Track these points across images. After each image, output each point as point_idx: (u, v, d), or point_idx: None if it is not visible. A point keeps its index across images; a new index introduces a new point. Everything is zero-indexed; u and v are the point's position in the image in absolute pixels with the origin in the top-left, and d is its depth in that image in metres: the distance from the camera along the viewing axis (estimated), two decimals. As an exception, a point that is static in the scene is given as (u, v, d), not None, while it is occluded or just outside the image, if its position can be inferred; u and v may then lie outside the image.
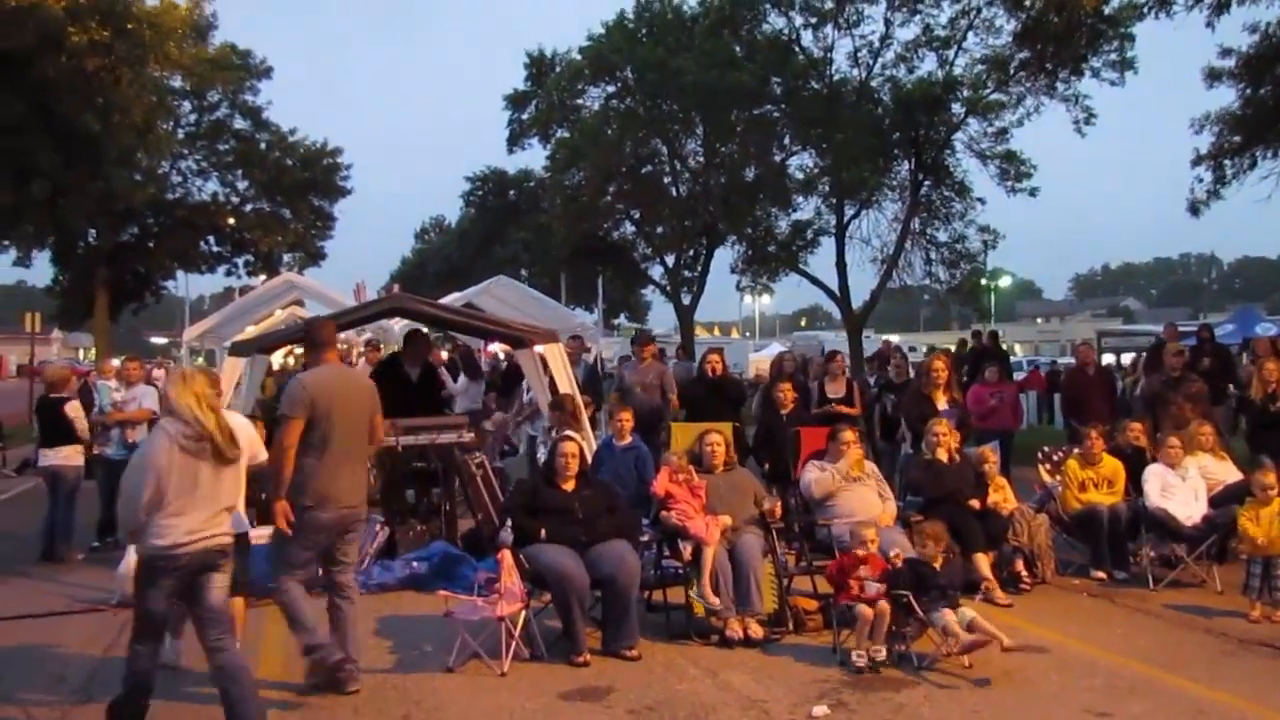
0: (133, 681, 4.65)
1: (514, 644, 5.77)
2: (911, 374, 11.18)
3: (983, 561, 7.13)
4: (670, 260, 30.56)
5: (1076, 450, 8.40)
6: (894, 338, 35.20)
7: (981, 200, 22.35)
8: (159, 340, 67.67)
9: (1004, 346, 22.87)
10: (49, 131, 22.02)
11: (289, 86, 42.94)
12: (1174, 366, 10.07)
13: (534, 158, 65.05)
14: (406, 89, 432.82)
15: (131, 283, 31.83)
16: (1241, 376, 11.24)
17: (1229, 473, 8.14)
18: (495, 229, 45.58)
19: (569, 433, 7.17)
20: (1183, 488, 7.78)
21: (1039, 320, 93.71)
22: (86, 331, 40.74)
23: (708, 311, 54.42)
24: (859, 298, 23.25)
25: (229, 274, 35.57)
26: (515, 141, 30.78)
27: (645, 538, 6.68)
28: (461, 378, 12.90)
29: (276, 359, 11.85)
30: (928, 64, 21.11)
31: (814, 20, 21.31)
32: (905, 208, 22.00)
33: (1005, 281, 55.73)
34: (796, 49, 21.79)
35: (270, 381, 12.73)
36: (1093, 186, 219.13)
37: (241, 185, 33.68)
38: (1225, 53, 17.36)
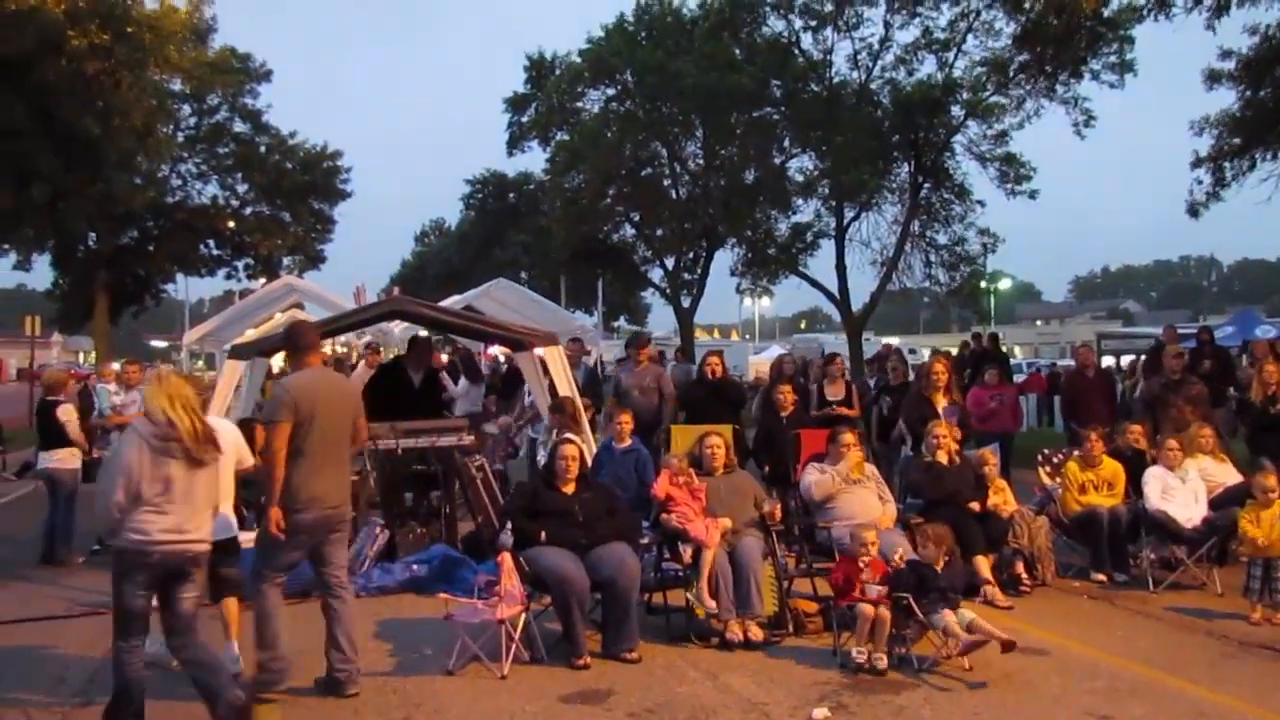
0: (121, 681, 4.69)
1: (514, 647, 5.76)
2: (912, 376, 11.18)
3: (983, 564, 7.13)
4: (670, 263, 30.58)
5: (1076, 453, 8.40)
6: (894, 340, 35.19)
7: (981, 203, 22.43)
8: (159, 343, 67.63)
9: (1004, 349, 22.89)
10: (49, 135, 22.02)
11: (289, 90, 43.04)
12: (1174, 369, 10.06)
13: (534, 160, 65.11)
14: (406, 92, 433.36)
15: (131, 286, 31.85)
16: (1241, 379, 11.23)
17: (1229, 475, 8.14)
18: (495, 232, 45.62)
19: (569, 435, 7.16)
20: (1183, 490, 7.78)
21: (1039, 323, 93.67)
22: (86, 335, 40.73)
23: (707, 314, 54.42)
24: (859, 300, 23.30)
25: (229, 277, 35.59)
26: (515, 144, 30.83)
27: (645, 540, 6.67)
28: (462, 380, 12.91)
29: (276, 362, 11.84)
30: (927, 66, 21.21)
31: (813, 23, 21.36)
32: (905, 210, 22.03)
33: (1005, 284, 55.70)
34: (796, 52, 21.83)
35: (270, 385, 12.72)
36: (1092, 189, 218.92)
37: (241, 188, 33.72)
38: (1225, 55, 17.40)
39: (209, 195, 33.25)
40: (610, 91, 25.90)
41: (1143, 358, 16.12)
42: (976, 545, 7.13)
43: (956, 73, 20.73)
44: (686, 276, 30.83)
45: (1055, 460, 8.69)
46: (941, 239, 22.84)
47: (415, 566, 7.75)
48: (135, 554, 4.60)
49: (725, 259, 27.98)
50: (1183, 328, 18.64)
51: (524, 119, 30.20)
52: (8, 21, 20.14)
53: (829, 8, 20.86)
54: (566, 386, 9.33)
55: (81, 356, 58.35)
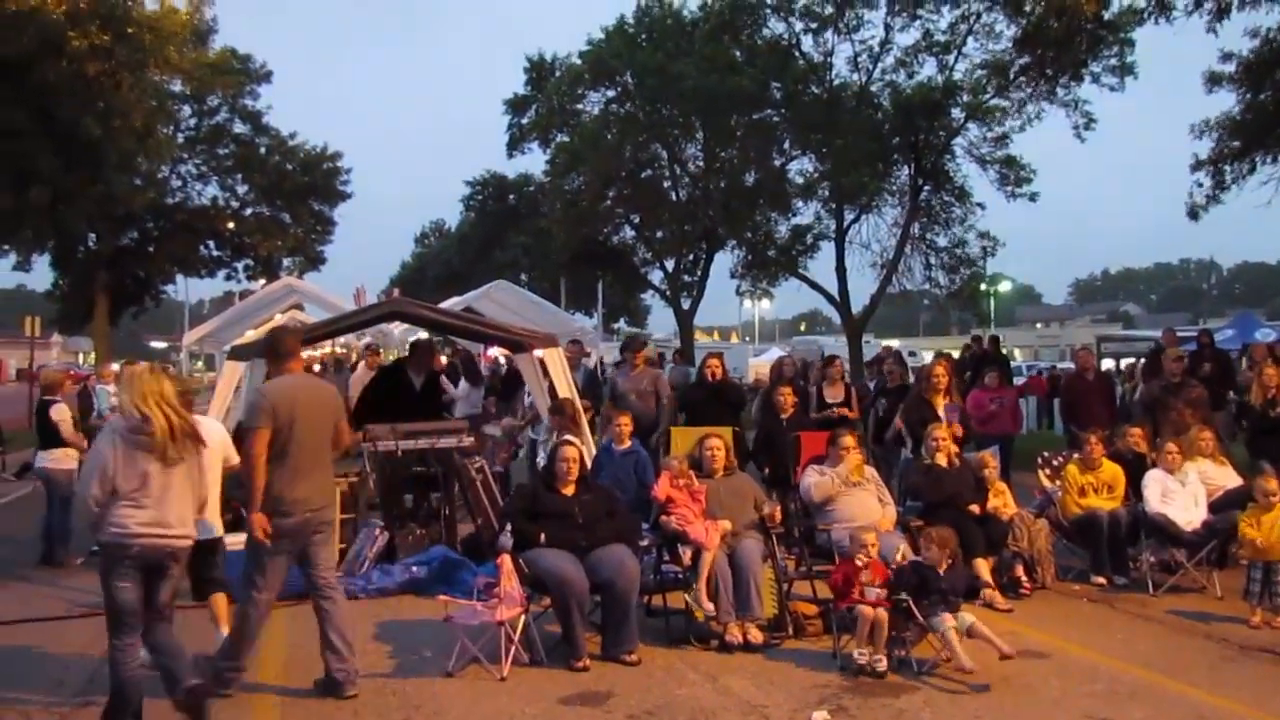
0: (117, 681, 4.74)
1: (513, 649, 5.76)
2: (910, 378, 11.17)
3: (983, 567, 7.12)
4: (670, 265, 30.60)
5: (1076, 455, 8.39)
6: (894, 343, 35.21)
7: (981, 205, 22.45)
8: (159, 344, 67.55)
9: (1004, 351, 22.89)
10: (49, 136, 22.02)
11: (289, 91, 43.11)
12: (1174, 372, 10.06)
13: (534, 162, 65.28)
14: (406, 93, 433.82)
15: (131, 287, 31.88)
16: (1241, 382, 11.23)
17: (1229, 478, 8.14)
18: (495, 233, 45.61)
19: (569, 437, 7.16)
20: (1183, 493, 7.77)
21: (1038, 325, 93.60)
22: (86, 336, 40.71)
23: (707, 316, 54.51)
24: (859, 302, 23.31)
25: (229, 278, 35.68)
26: (515, 146, 30.86)
27: (645, 542, 6.67)
28: (462, 383, 12.92)
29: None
30: (927, 69, 21.21)
31: (814, 25, 21.37)
32: (905, 213, 22.04)
33: (1005, 286, 55.62)
34: (796, 54, 21.85)
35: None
36: (1092, 191, 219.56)
37: (241, 189, 33.78)
38: (1226, 57, 17.40)
39: (209, 196, 33.34)
40: (610, 93, 25.93)
41: (1142, 361, 16.14)
42: (976, 548, 7.13)
43: (957, 75, 20.77)
44: (686, 278, 30.85)
45: (1055, 463, 8.69)
46: (941, 241, 22.89)
47: (415, 568, 7.74)
48: (116, 547, 4.69)
49: (725, 261, 28.06)
50: (1182, 330, 18.65)
51: (524, 120, 30.22)
52: (8, 22, 20.13)
53: (829, 10, 20.87)
54: (566, 388, 9.33)
55: (81, 357, 58.25)
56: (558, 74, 28.70)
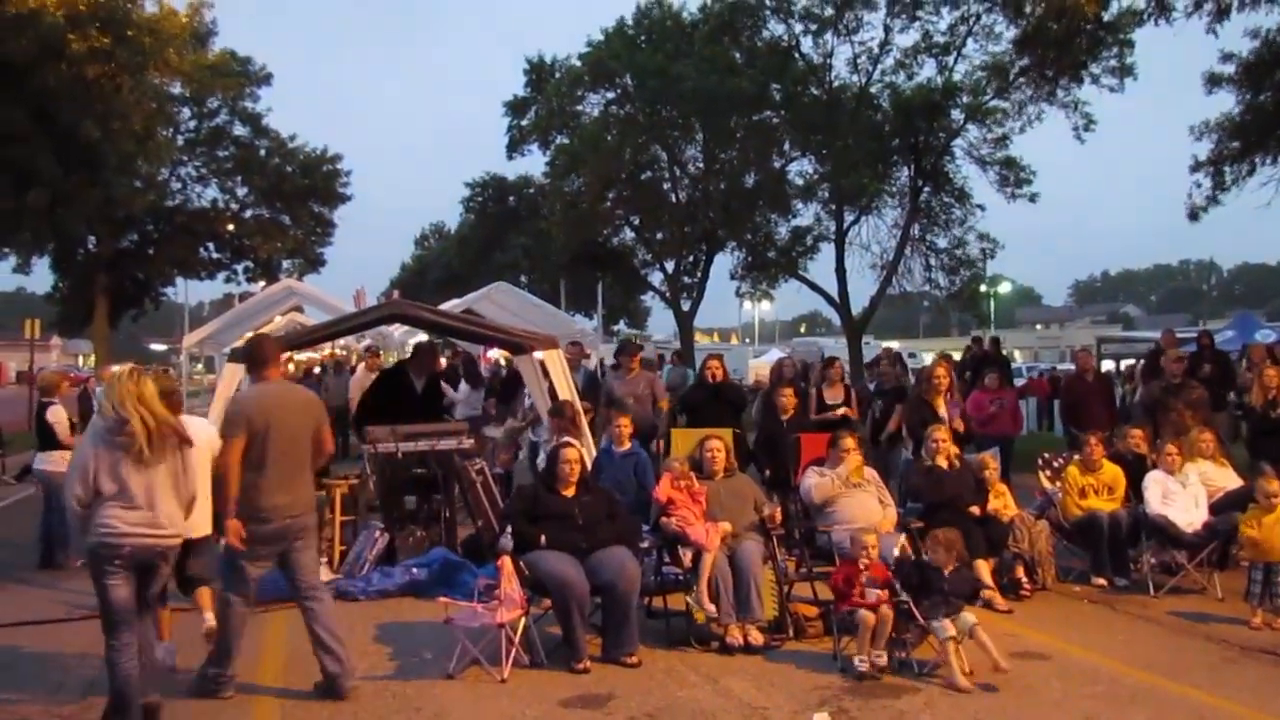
0: (115, 682, 4.76)
1: (514, 651, 5.75)
2: (907, 380, 11.18)
3: (983, 568, 7.11)
4: (670, 266, 30.61)
5: (1077, 457, 8.39)
6: (894, 344, 35.19)
7: (981, 206, 22.46)
8: (158, 347, 67.60)
9: (1004, 353, 22.88)
10: (49, 138, 22.06)
11: (289, 93, 43.21)
12: (1174, 373, 10.06)
13: (534, 164, 64.96)
14: (406, 95, 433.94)
15: (131, 289, 31.91)
16: (1241, 383, 11.23)
17: (1229, 479, 8.13)
18: (495, 235, 45.59)
19: (569, 439, 7.15)
20: (1183, 494, 7.76)
21: (1039, 326, 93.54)
22: (86, 338, 40.76)
23: (707, 317, 54.55)
24: (859, 304, 23.33)
25: (228, 280, 35.74)
26: (515, 147, 30.89)
27: (645, 544, 6.66)
28: (462, 384, 12.91)
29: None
30: (927, 70, 21.24)
31: (814, 27, 21.41)
32: (905, 214, 22.06)
33: (1005, 288, 55.63)
34: (796, 55, 21.87)
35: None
36: (1092, 192, 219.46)
37: (241, 192, 33.83)
38: (1226, 58, 17.40)
39: (209, 198, 33.40)
40: (610, 95, 25.96)
41: (1142, 362, 16.13)
42: (977, 550, 7.11)
43: (956, 76, 20.80)
44: (686, 280, 30.86)
45: (1055, 464, 8.68)
46: (941, 242, 22.91)
47: (415, 570, 7.74)
48: (106, 548, 4.71)
49: (725, 262, 28.07)
50: (1182, 332, 18.64)
51: (524, 122, 30.25)
52: (8, 25, 20.17)
53: (829, 11, 20.90)
54: (566, 390, 9.33)
55: (81, 360, 58.26)
56: (557, 75, 28.73)
